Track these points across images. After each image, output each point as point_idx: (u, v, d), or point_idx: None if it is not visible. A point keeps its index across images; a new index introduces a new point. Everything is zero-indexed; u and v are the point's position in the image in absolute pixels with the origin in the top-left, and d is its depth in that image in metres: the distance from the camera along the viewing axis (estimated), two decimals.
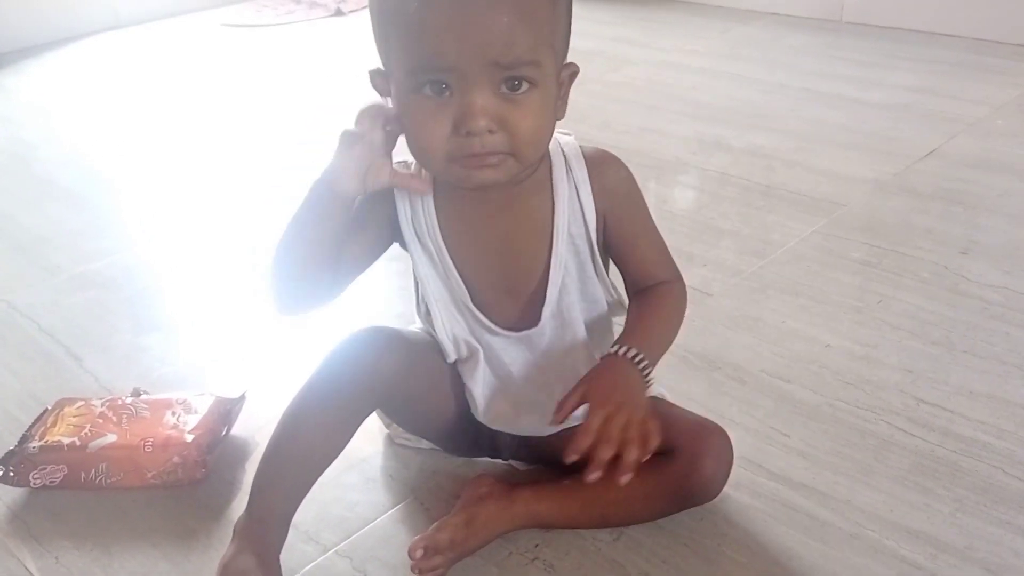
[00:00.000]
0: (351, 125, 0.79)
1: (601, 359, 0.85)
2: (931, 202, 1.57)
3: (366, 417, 0.89)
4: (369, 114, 0.79)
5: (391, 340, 0.89)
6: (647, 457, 0.77)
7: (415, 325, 1.00)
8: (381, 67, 0.80)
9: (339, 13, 3.07)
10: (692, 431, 0.88)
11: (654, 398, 0.94)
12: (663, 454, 0.87)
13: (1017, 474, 0.97)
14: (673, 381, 1.12)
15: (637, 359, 0.82)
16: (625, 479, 0.75)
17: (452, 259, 0.87)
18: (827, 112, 2.00)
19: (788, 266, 1.39)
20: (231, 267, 1.53)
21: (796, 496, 0.95)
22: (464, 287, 0.88)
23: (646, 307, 0.89)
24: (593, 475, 0.74)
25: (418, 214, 0.86)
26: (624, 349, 0.83)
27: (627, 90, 2.20)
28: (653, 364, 0.84)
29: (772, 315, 1.27)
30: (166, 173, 1.95)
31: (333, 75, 2.53)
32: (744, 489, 0.96)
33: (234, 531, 0.85)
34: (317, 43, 2.83)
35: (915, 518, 0.92)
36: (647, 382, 0.83)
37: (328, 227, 0.82)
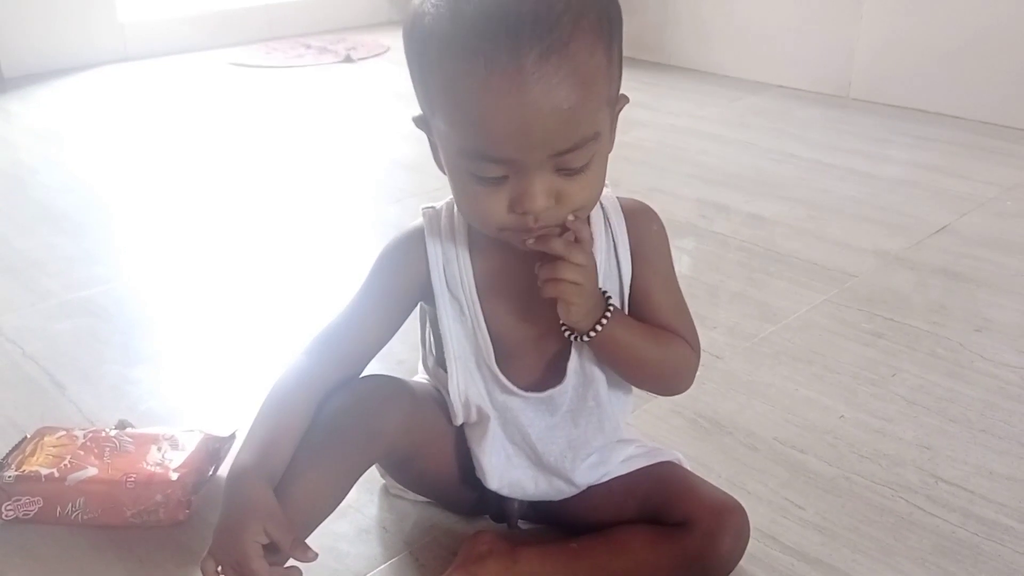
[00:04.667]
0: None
1: None
2: (943, 278, 1.54)
3: (363, 472, 0.84)
4: None
5: (396, 391, 0.85)
6: None
7: (419, 376, 0.95)
8: (421, 113, 0.75)
9: (348, 60, 3.07)
10: (710, 506, 0.83)
11: (670, 463, 0.89)
12: (678, 525, 0.83)
13: None
14: (684, 444, 1.07)
15: (609, 302, 0.79)
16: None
17: (483, 312, 0.82)
18: (837, 183, 1.99)
19: (800, 333, 1.36)
20: (226, 302, 1.49)
21: (812, 572, 0.90)
22: (490, 344, 0.83)
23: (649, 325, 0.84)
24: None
25: (452, 265, 0.82)
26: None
27: (637, 151, 2.19)
28: (613, 321, 0.78)
29: (785, 382, 1.23)
30: (165, 205, 1.92)
31: (338, 119, 2.51)
32: (757, 563, 0.91)
33: None
34: (324, 87, 2.82)
35: None
36: (603, 314, 0.78)
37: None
